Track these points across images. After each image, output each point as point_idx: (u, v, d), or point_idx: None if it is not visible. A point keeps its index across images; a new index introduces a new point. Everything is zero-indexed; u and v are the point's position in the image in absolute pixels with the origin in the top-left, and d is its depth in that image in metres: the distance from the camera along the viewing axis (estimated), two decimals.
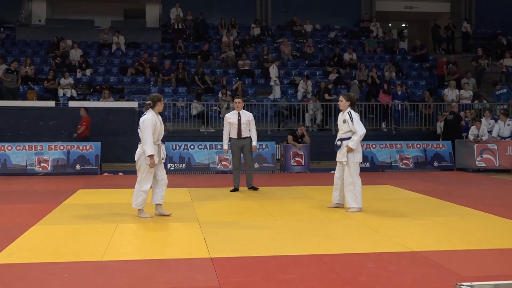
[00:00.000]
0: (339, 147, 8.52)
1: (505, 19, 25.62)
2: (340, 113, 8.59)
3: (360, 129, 8.27)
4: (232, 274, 5.20)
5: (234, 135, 10.68)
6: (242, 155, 10.86)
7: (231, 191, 10.81)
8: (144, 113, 7.91)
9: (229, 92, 18.39)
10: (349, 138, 8.33)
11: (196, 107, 17.66)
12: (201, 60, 20.61)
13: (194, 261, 5.63)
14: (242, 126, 10.61)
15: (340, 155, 8.47)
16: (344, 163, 8.43)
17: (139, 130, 7.86)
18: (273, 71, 19.51)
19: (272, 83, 19.45)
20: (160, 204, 8.14)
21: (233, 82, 19.70)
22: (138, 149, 7.94)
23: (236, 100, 10.81)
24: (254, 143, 10.77)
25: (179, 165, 14.44)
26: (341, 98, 8.60)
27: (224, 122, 10.89)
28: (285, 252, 5.99)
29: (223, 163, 14.50)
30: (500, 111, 16.70)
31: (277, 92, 19.20)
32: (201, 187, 11.69)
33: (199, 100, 17.84)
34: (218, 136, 16.21)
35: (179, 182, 12.51)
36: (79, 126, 15.27)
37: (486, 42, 24.58)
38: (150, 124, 7.71)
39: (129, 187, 11.54)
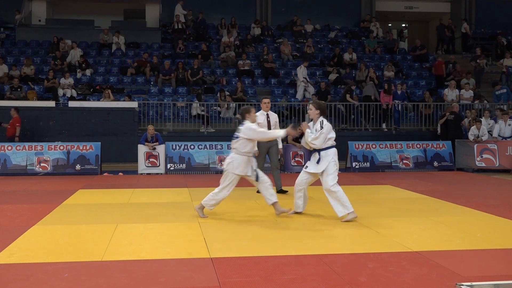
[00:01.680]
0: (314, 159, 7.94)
1: (505, 19, 25.63)
2: (311, 123, 8.00)
3: (319, 142, 7.69)
4: (232, 274, 5.20)
5: None
6: (267, 157, 10.61)
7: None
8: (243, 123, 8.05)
9: (227, 93, 18.39)
10: (326, 148, 7.75)
11: (196, 108, 17.65)
12: (201, 60, 20.61)
13: (194, 261, 5.63)
14: (272, 127, 10.23)
15: (317, 167, 7.81)
16: (319, 174, 7.87)
17: (235, 139, 7.98)
18: (300, 71, 19.47)
19: (298, 83, 19.45)
20: (276, 202, 8.03)
21: (233, 83, 19.70)
22: (228, 158, 8.14)
23: (265, 100, 10.41)
24: (280, 145, 10.51)
25: (179, 165, 14.44)
26: (310, 106, 7.99)
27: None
28: (285, 252, 5.99)
29: (222, 162, 14.47)
30: (497, 111, 16.68)
31: (299, 93, 19.21)
32: (201, 187, 11.68)
33: (199, 100, 17.84)
34: (218, 136, 16.30)
35: (179, 182, 12.52)
36: (9, 126, 15.27)
37: (486, 42, 24.58)
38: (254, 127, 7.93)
39: (129, 187, 11.58)
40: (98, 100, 17.69)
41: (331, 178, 7.72)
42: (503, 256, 5.95)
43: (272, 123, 10.28)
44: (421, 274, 5.23)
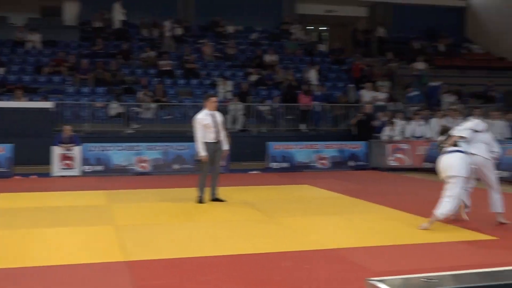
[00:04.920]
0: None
1: (419, 25, 26.72)
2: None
3: None
4: (149, 277, 5.13)
5: (210, 138, 9.37)
6: None
7: (199, 202, 9.40)
8: None
9: (149, 93, 18.12)
10: None
11: (115, 108, 17.27)
12: (121, 59, 20.19)
13: (109, 265, 5.51)
14: (219, 127, 9.45)
15: None
16: None
17: None
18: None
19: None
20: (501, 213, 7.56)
21: (154, 83, 19.43)
22: None
23: (213, 98, 9.65)
24: (227, 147, 9.62)
25: (97, 167, 14.07)
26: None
27: (196, 125, 9.45)
28: (203, 253, 5.97)
29: (142, 164, 14.26)
30: (413, 112, 17.38)
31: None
32: (119, 189, 11.44)
33: (118, 100, 17.46)
34: (137, 137, 16.02)
35: (96, 184, 12.20)
36: None
37: (400, 46, 25.55)
38: None
39: (42, 190, 11.16)
40: (10, 99, 16.92)
41: None
42: (413, 251, 6.21)
43: (219, 122, 9.51)
44: (335, 271, 5.36)
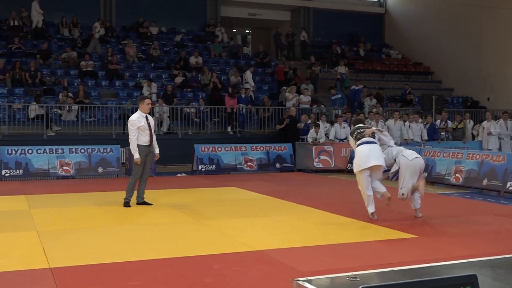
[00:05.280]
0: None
1: (339, 30, 27.49)
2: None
3: None
4: (73, 283, 5.02)
5: (144, 141, 9.17)
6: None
7: (125, 205, 9.25)
8: None
9: (70, 94, 17.62)
10: None
11: (34, 110, 16.67)
12: (40, 59, 19.51)
13: (32, 273, 5.34)
14: (152, 130, 9.31)
15: None
16: None
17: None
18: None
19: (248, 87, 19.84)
20: None
21: (75, 84, 18.92)
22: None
23: (147, 100, 9.41)
24: (157, 150, 9.50)
25: (15, 171, 13.52)
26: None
27: (130, 127, 9.21)
28: (130, 258, 5.89)
29: (64, 168, 13.85)
30: (335, 116, 17.85)
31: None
32: (40, 193, 11.06)
33: (38, 101, 16.86)
34: (59, 140, 15.54)
35: (15, 189, 11.73)
36: None
37: (323, 50, 26.18)
38: None
39: None
40: None
41: None
42: (338, 250, 6.40)
43: (152, 125, 9.38)
44: (263, 272, 5.44)
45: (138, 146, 9.15)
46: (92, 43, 21.28)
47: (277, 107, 19.20)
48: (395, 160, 8.16)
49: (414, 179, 8.04)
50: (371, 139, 8.10)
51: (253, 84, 20.43)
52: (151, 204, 9.42)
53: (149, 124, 9.24)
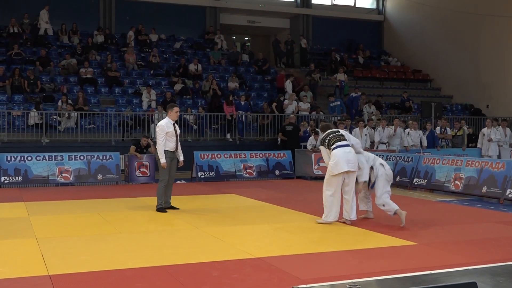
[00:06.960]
0: None
1: (338, 37, 27.57)
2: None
3: None
4: None
5: (170, 147, 9.43)
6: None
7: (159, 210, 9.46)
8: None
9: (69, 101, 17.63)
10: None
11: (34, 117, 16.67)
12: (40, 66, 19.53)
13: (31, 280, 5.33)
14: (178, 137, 9.57)
15: None
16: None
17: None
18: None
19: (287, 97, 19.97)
20: None
21: (75, 91, 18.93)
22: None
23: (176, 108, 9.67)
24: (182, 157, 9.73)
25: (15, 177, 13.49)
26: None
27: (159, 132, 9.42)
28: (129, 265, 5.88)
29: (63, 175, 13.83)
30: (333, 123, 17.83)
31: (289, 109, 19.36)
32: (40, 200, 11.05)
33: (38, 109, 16.87)
34: (58, 147, 15.53)
35: (15, 196, 11.71)
36: None
37: (322, 57, 26.24)
38: None
39: None
40: None
41: None
42: (337, 258, 6.39)
43: (178, 133, 9.61)
44: (262, 279, 5.43)
45: (165, 151, 9.37)
46: (93, 51, 21.33)
47: (277, 114, 19.17)
48: (372, 167, 8.41)
49: (388, 187, 8.37)
50: (345, 142, 8.28)
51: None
52: (177, 208, 9.64)
53: (176, 131, 9.50)
